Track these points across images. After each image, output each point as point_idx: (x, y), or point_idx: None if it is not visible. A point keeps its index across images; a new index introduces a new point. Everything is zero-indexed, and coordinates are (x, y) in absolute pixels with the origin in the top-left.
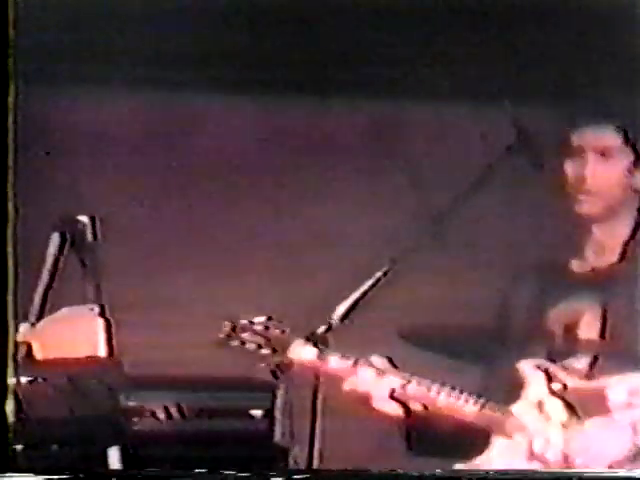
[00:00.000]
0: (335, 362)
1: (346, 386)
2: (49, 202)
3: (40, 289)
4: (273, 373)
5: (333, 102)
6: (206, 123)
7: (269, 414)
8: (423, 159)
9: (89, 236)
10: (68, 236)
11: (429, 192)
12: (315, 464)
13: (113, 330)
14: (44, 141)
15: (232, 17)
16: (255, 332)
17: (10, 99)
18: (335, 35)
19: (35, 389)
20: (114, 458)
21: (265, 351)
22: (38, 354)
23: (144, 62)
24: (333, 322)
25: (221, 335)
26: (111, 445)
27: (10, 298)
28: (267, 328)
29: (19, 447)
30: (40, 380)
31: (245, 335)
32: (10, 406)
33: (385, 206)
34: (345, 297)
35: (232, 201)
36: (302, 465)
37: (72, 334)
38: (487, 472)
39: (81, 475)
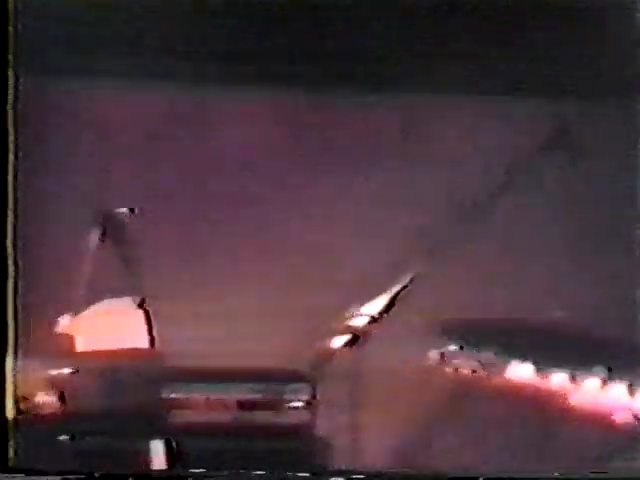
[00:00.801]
0: (557, 378)
1: (572, 401)
2: (86, 196)
3: (81, 282)
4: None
5: (362, 98)
6: (243, 117)
7: (310, 406)
8: (457, 154)
9: (129, 229)
10: (107, 230)
11: (463, 188)
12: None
13: (154, 322)
14: (66, 135)
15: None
16: (467, 357)
17: (11, 91)
18: (363, 29)
19: (76, 381)
20: (157, 451)
21: (481, 374)
22: (79, 346)
23: (159, 53)
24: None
25: (430, 363)
26: (153, 437)
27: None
28: (478, 351)
29: (64, 438)
30: (81, 372)
31: (457, 361)
32: (50, 397)
33: (418, 203)
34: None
35: (264, 196)
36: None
37: (113, 326)
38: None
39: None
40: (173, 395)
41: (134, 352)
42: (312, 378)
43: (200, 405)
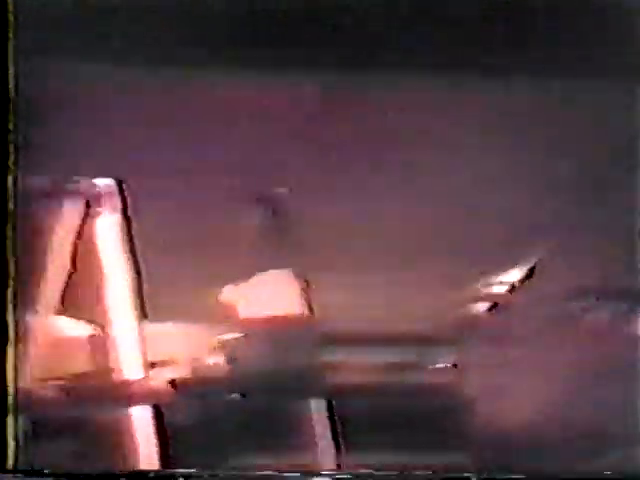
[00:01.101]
0: None
1: None
2: (250, 178)
3: (243, 253)
4: None
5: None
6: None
7: (455, 367)
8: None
9: (287, 207)
10: (270, 208)
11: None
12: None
13: (311, 291)
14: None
15: None
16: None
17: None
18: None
19: (240, 345)
20: (317, 409)
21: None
22: (243, 313)
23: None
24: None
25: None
26: (312, 396)
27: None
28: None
29: (235, 395)
30: (244, 336)
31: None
32: (219, 359)
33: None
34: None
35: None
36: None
37: (273, 295)
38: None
39: (82, 475)
40: (328, 358)
41: (294, 319)
42: (455, 342)
43: (354, 367)
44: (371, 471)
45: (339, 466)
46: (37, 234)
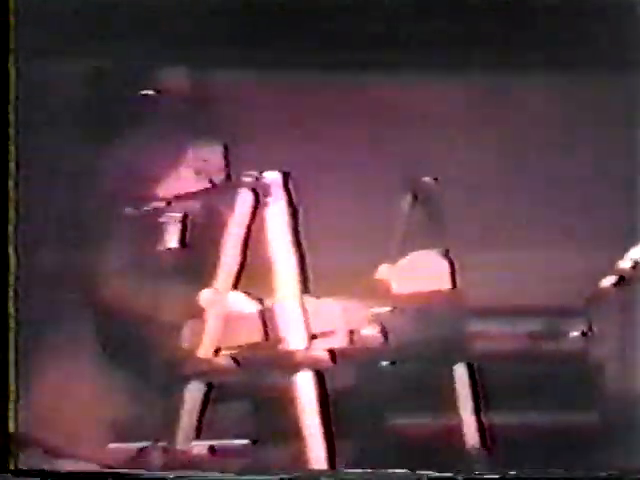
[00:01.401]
0: None
1: None
2: (400, 166)
3: (399, 237)
4: None
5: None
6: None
7: (584, 335)
8: None
9: (434, 194)
10: (417, 195)
11: None
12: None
13: (455, 269)
14: None
15: None
16: None
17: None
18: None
19: (393, 317)
20: (460, 373)
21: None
22: (396, 289)
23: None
24: None
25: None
26: (456, 363)
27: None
28: None
29: (387, 363)
30: (396, 310)
31: None
32: (373, 331)
33: None
34: None
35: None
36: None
37: (423, 272)
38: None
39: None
40: (473, 328)
41: (441, 294)
42: (587, 313)
43: (495, 336)
44: (374, 470)
45: (480, 423)
46: (213, 223)
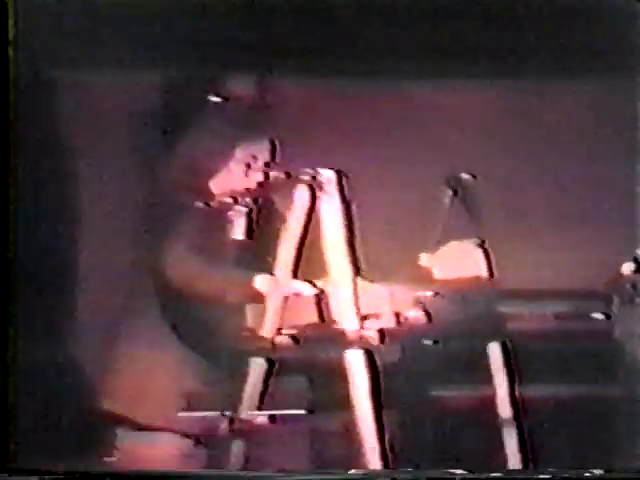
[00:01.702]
0: None
1: None
2: (439, 163)
3: (440, 228)
4: None
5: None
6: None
7: (609, 317)
8: None
9: (471, 189)
10: (457, 190)
11: None
12: None
13: (491, 257)
14: None
15: None
16: None
17: None
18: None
19: (435, 301)
20: (495, 350)
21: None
22: (438, 275)
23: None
24: None
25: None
26: (491, 341)
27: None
28: None
29: (429, 342)
30: (437, 294)
31: None
32: (417, 313)
33: None
34: None
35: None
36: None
37: (461, 260)
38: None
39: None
40: (507, 309)
41: (478, 279)
42: (609, 296)
43: (526, 317)
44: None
45: (512, 395)
46: (274, 215)
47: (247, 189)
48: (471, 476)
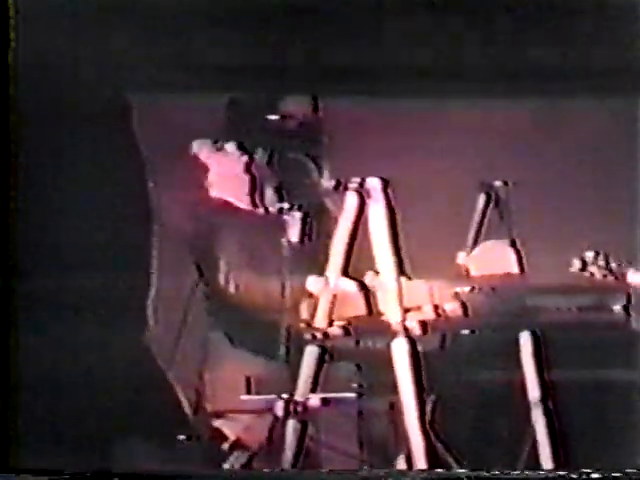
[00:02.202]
0: None
1: None
2: (472, 172)
3: (474, 230)
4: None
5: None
6: None
7: (626, 309)
8: None
9: (503, 195)
10: (490, 197)
11: None
12: None
13: (522, 255)
14: None
15: None
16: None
17: None
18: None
19: (471, 295)
20: (525, 339)
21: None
22: (473, 272)
23: None
24: None
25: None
26: (522, 331)
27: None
28: (607, 262)
29: (466, 331)
30: (474, 289)
31: (593, 268)
32: (455, 306)
33: None
34: None
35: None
36: None
37: (494, 258)
38: (488, 473)
39: (81, 475)
40: (533, 303)
41: (510, 275)
42: (627, 289)
43: (553, 310)
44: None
45: (542, 380)
46: (329, 220)
47: (300, 195)
48: (478, 475)
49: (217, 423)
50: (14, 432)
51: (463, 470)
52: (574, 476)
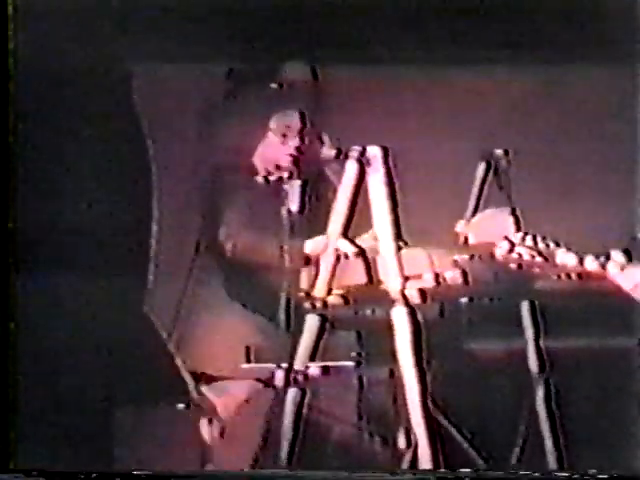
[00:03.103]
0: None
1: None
2: (474, 138)
3: (473, 199)
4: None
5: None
6: None
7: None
8: None
9: (504, 164)
10: (488, 164)
11: None
12: None
13: (521, 223)
14: None
15: None
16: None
17: None
18: None
19: (470, 263)
20: (524, 307)
21: (538, 260)
22: (472, 240)
23: None
24: None
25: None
26: (521, 300)
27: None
28: (535, 243)
29: (465, 299)
30: (473, 257)
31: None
32: (455, 273)
33: None
34: None
35: None
36: None
37: (493, 227)
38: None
39: (82, 475)
40: (534, 272)
41: (511, 243)
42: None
43: (552, 277)
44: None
45: (539, 348)
46: (327, 189)
47: (299, 163)
48: (479, 475)
49: (204, 388)
50: (14, 432)
51: (463, 470)
52: (577, 477)
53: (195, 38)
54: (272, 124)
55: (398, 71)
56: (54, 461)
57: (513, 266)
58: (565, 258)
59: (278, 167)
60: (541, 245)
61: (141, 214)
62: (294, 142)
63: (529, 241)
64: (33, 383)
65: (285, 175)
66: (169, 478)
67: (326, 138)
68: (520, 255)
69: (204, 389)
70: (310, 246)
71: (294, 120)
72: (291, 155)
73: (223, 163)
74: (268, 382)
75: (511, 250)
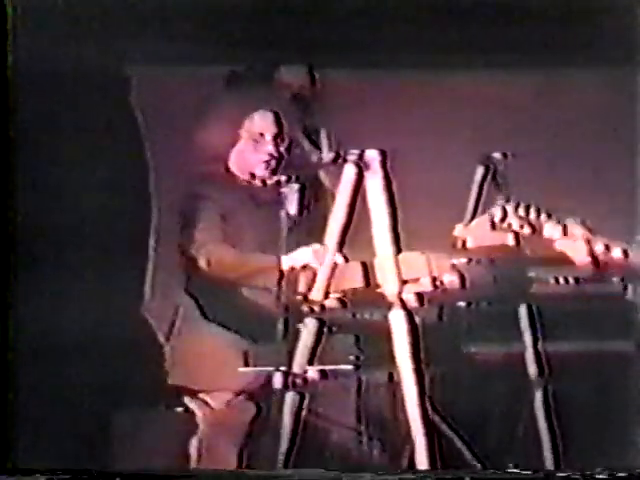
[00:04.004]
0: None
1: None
2: (472, 144)
3: (472, 203)
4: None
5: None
6: None
7: (622, 281)
8: None
9: (502, 168)
10: (489, 168)
11: None
12: None
13: (518, 227)
14: None
15: None
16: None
17: None
18: None
19: (468, 267)
20: (522, 311)
21: (526, 231)
22: (469, 244)
23: None
24: None
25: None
26: (520, 303)
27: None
28: (527, 213)
29: (463, 303)
30: (470, 261)
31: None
32: (452, 277)
33: None
34: None
35: None
36: None
37: (491, 231)
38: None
39: (83, 475)
40: (532, 274)
41: (506, 248)
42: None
43: (548, 281)
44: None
45: (537, 351)
46: (325, 191)
47: (297, 167)
48: (478, 475)
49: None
50: (14, 432)
51: (463, 470)
52: (576, 476)
53: (194, 40)
54: (244, 128)
55: (396, 75)
56: (54, 461)
57: (511, 269)
58: (552, 231)
59: (252, 175)
60: (531, 216)
61: (141, 214)
62: (268, 147)
63: (521, 212)
64: (33, 383)
65: (283, 179)
66: (169, 478)
67: (324, 141)
68: (510, 225)
69: (200, 396)
70: (307, 254)
71: (268, 123)
72: (265, 162)
73: (206, 169)
74: (266, 385)
75: (503, 219)
